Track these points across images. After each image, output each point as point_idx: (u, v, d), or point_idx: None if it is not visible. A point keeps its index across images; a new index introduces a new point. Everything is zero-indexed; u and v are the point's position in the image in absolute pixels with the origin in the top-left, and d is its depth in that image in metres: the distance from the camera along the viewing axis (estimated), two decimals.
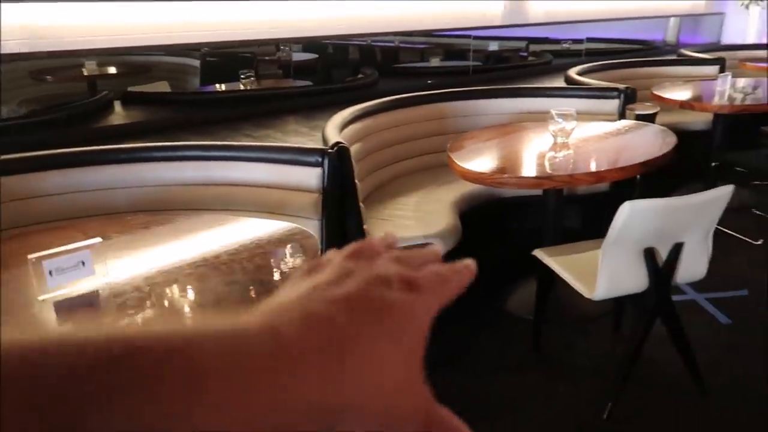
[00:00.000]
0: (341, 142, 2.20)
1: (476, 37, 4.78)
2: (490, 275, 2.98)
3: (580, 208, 3.23)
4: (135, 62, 3.35)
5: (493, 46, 5.08)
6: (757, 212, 3.73)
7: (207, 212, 2.09)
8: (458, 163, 2.32)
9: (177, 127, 3.15)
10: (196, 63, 3.57)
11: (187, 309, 1.21)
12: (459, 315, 2.65)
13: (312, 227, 2.03)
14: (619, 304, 2.48)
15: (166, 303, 1.20)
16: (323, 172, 2.08)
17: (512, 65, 5.27)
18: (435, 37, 4.71)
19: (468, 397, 2.13)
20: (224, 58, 3.70)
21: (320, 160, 2.09)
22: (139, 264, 1.38)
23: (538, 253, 2.25)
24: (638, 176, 3.02)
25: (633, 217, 1.80)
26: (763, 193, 3.95)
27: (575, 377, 2.23)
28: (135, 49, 3.19)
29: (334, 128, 2.46)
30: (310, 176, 2.09)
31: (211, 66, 3.65)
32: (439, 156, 2.70)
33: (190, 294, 1.26)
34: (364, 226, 2.27)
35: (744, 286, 2.85)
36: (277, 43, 3.82)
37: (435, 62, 4.75)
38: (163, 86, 3.50)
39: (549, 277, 2.25)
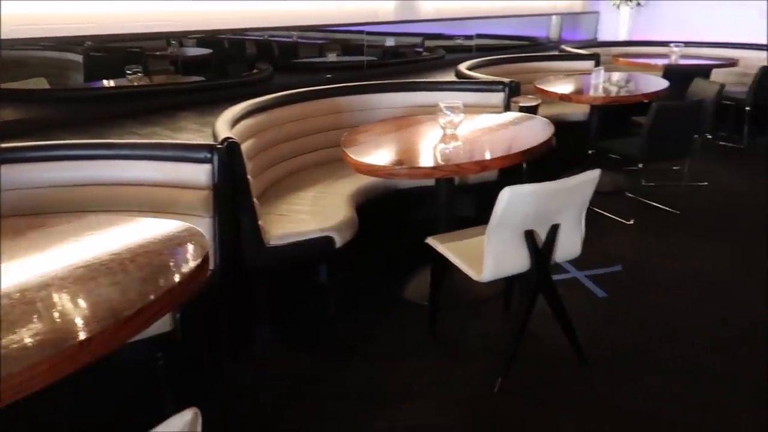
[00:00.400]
0: (231, 138, 2.18)
1: (370, 33, 4.85)
2: (388, 265, 3.06)
3: (472, 196, 3.37)
4: (7, 57, 3.11)
5: (390, 42, 5.17)
6: (629, 195, 4.08)
7: (91, 214, 2.00)
8: (352, 156, 2.36)
9: (57, 126, 2.97)
10: (78, 58, 3.37)
11: (66, 314, 1.16)
12: (357, 305, 2.71)
13: (204, 225, 2.00)
14: (509, 284, 2.63)
15: (38, 308, 1.14)
16: (213, 168, 2.05)
17: (407, 60, 5.39)
18: (332, 33, 4.73)
19: (367, 385, 2.18)
20: (110, 52, 3.52)
21: (209, 156, 2.05)
22: (9, 270, 1.30)
23: (430, 240, 2.34)
24: (525, 165, 3.21)
25: (512, 201, 1.92)
26: (634, 177, 4.32)
27: (469, 358, 2.35)
28: (8, 42, 2.97)
29: (225, 124, 2.42)
30: (199, 173, 2.05)
31: (96, 61, 3.46)
32: (336, 150, 2.72)
33: (68, 298, 1.21)
34: (259, 222, 2.26)
35: (618, 262, 3.11)
36: (167, 38, 3.69)
37: (332, 57, 4.77)
38: (40, 83, 3.28)
39: (442, 263, 2.35)
